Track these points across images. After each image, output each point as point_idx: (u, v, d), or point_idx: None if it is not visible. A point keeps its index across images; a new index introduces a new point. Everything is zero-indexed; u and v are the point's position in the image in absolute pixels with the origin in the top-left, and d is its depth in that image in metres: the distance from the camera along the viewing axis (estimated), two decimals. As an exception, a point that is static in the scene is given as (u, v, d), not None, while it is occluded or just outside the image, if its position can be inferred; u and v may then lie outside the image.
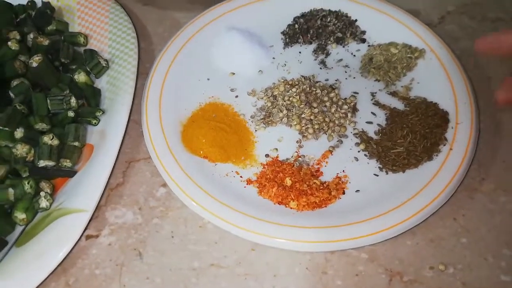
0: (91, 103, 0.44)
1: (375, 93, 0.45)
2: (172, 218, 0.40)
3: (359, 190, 0.39)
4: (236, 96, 0.46)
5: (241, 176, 0.40)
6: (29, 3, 0.52)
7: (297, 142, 0.42)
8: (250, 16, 0.51)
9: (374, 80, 0.46)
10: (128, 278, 0.37)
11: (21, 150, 0.39)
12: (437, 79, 0.45)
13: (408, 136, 0.40)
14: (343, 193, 0.39)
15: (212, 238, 0.38)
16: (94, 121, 0.43)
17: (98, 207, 0.39)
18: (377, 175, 0.40)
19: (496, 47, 0.42)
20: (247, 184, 0.40)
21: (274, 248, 0.37)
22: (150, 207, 0.40)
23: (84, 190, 0.37)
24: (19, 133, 0.40)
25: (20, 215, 0.37)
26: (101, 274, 0.37)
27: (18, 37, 0.47)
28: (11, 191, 0.37)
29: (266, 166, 0.41)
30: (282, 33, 0.51)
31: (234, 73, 0.48)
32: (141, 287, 0.36)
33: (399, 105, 0.44)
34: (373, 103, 0.44)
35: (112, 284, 0.36)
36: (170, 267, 0.37)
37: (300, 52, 0.49)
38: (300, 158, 0.41)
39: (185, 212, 0.40)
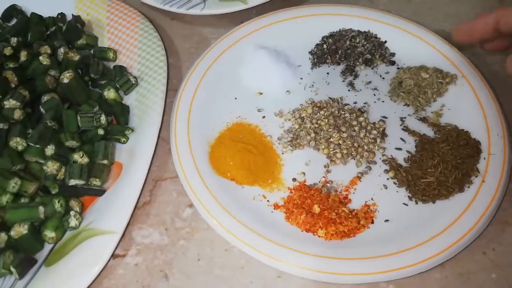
0: (120, 120, 0.44)
1: (405, 118, 0.45)
2: (198, 240, 0.40)
3: (388, 220, 0.38)
4: (263, 117, 0.46)
5: (268, 200, 0.40)
6: (59, 16, 0.53)
7: (324, 166, 0.42)
8: (278, 35, 0.51)
9: (404, 105, 0.46)
10: (154, 300, 0.37)
11: (51, 167, 0.40)
12: (468, 107, 0.44)
13: (439, 166, 0.39)
14: (372, 222, 0.38)
15: (238, 263, 0.38)
16: (123, 139, 0.43)
17: (125, 226, 0.40)
18: (407, 205, 0.39)
19: (470, 34, 0.42)
20: (274, 209, 0.40)
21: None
22: (176, 228, 0.40)
23: (114, 211, 0.38)
24: (49, 150, 0.41)
25: (49, 234, 0.37)
26: (127, 295, 0.37)
27: (49, 51, 0.47)
28: (41, 209, 0.38)
29: (293, 191, 0.41)
30: (310, 52, 0.50)
31: (261, 93, 0.48)
32: (167, 310, 0.36)
33: (428, 131, 0.43)
34: (402, 129, 0.44)
35: (138, 306, 0.37)
36: (196, 291, 0.37)
37: (328, 73, 0.49)
38: (328, 184, 0.41)
39: (211, 234, 0.40)
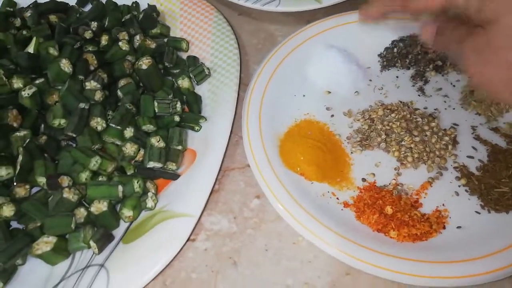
0: (193, 109, 0.46)
1: (476, 127, 0.44)
2: (265, 231, 0.40)
3: (460, 227, 0.38)
4: (332, 116, 0.46)
5: (337, 198, 0.41)
6: (134, 4, 0.54)
7: (395, 169, 0.42)
8: (347, 36, 0.51)
9: (475, 114, 0.45)
10: (223, 285, 0.38)
11: (130, 149, 0.41)
12: (544, 120, 0.43)
13: (515, 177, 0.39)
14: (444, 227, 0.38)
15: (306, 257, 0.39)
16: (196, 128, 0.44)
17: (195, 212, 0.40)
18: (479, 213, 0.39)
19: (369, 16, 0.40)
20: (344, 207, 0.40)
21: (369, 275, 0.37)
22: (244, 217, 0.41)
23: (191, 195, 0.39)
24: (128, 132, 0.42)
25: (127, 213, 0.39)
26: (197, 279, 0.38)
27: (127, 37, 0.49)
28: (120, 188, 0.39)
29: (363, 191, 0.41)
30: (379, 55, 0.51)
31: (330, 92, 0.48)
32: (237, 297, 0.37)
33: (500, 141, 0.43)
34: (473, 137, 0.44)
35: (208, 290, 0.37)
36: (264, 281, 0.38)
37: (397, 77, 0.49)
38: (398, 186, 0.41)
39: (279, 226, 0.40)
